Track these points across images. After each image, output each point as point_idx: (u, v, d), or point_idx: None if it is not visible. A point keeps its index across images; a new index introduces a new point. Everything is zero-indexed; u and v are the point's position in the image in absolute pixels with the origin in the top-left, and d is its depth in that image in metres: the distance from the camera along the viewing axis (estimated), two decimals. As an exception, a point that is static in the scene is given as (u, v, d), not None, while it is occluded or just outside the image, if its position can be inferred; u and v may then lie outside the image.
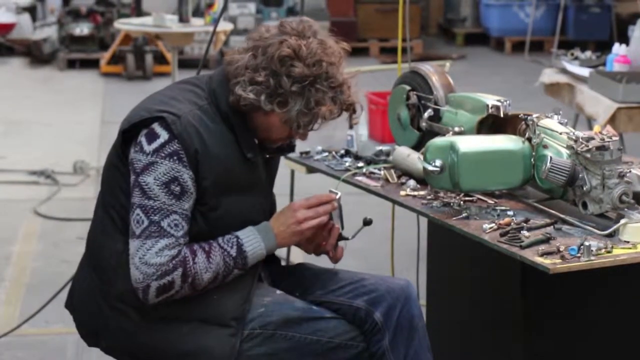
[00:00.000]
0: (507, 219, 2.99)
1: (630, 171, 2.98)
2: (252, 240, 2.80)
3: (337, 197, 2.93)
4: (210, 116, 2.77)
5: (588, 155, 2.94)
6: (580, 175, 2.95)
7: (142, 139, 2.72)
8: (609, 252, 2.80)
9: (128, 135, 2.77)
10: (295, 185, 4.89)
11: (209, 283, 2.76)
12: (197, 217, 2.76)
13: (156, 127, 2.72)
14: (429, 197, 3.22)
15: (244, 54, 2.79)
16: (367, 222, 3.03)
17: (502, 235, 2.90)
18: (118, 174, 2.80)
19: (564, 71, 5.47)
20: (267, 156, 2.92)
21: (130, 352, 2.87)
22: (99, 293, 2.84)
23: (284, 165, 3.92)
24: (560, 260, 2.75)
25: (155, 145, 2.71)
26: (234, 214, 2.80)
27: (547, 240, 2.86)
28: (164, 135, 2.71)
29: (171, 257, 2.69)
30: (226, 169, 2.76)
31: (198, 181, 2.72)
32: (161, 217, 2.69)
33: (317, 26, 2.82)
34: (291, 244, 2.94)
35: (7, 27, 11.02)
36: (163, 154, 2.70)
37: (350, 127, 3.91)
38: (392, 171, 3.47)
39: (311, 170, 3.75)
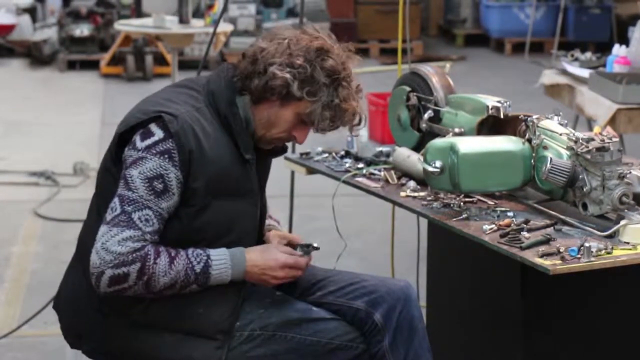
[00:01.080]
0: (507, 220, 2.99)
1: (630, 172, 2.98)
2: (221, 265, 2.74)
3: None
4: (207, 118, 2.76)
5: (588, 156, 2.94)
6: (580, 177, 2.95)
7: (137, 137, 2.72)
8: (609, 253, 2.80)
9: (123, 138, 2.76)
10: (295, 186, 4.89)
11: (165, 289, 2.70)
12: (183, 219, 2.73)
13: (152, 126, 2.72)
14: (429, 198, 3.22)
15: (269, 44, 2.79)
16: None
17: (502, 236, 2.90)
18: (111, 180, 2.78)
19: (564, 72, 5.48)
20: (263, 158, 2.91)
21: (112, 356, 2.86)
22: (87, 296, 2.82)
23: (284, 166, 3.92)
24: (560, 262, 2.75)
25: (148, 142, 2.70)
26: (222, 218, 2.77)
27: (547, 241, 2.86)
28: (159, 134, 2.70)
29: (132, 250, 2.65)
30: (220, 172, 2.74)
31: (188, 182, 2.71)
32: (134, 209, 2.66)
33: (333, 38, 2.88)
34: (254, 282, 2.86)
35: (7, 28, 11.03)
36: (154, 151, 2.68)
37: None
38: (392, 172, 3.47)
39: (311, 171, 3.75)
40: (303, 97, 2.75)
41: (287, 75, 2.73)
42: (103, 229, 2.68)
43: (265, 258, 2.81)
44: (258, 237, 2.92)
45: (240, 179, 2.80)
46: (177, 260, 2.69)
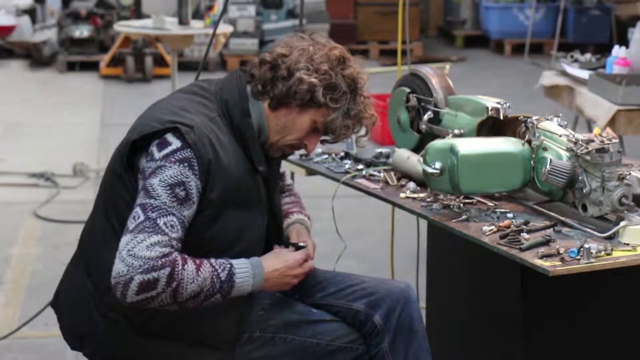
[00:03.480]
0: (506, 222, 2.99)
1: (629, 173, 2.98)
2: (244, 274, 2.70)
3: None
4: (221, 128, 2.74)
5: (588, 157, 2.94)
6: (580, 178, 2.95)
7: (154, 148, 2.67)
8: (608, 254, 2.80)
9: (135, 145, 2.72)
10: (294, 187, 4.88)
11: (191, 298, 2.63)
12: (195, 229, 2.69)
13: (168, 136, 2.68)
14: (428, 200, 3.22)
15: (289, 51, 2.78)
16: None
17: (501, 237, 2.90)
18: (120, 184, 2.75)
19: (564, 73, 5.48)
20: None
21: None
22: (91, 299, 2.79)
23: (284, 168, 3.92)
24: (560, 263, 2.75)
25: (165, 151, 2.65)
26: (232, 228, 2.74)
27: (546, 242, 2.86)
28: (176, 143, 2.66)
29: (162, 254, 2.57)
30: (234, 183, 2.72)
31: (205, 192, 2.67)
32: (158, 215, 2.60)
33: None
34: (274, 291, 2.85)
35: (7, 30, 11.02)
36: (173, 159, 2.64)
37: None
38: (392, 173, 3.47)
39: (311, 172, 3.75)
40: (325, 104, 2.75)
41: (315, 80, 2.73)
42: (126, 237, 2.59)
43: (283, 260, 2.80)
44: (265, 246, 2.87)
45: (251, 189, 2.79)
46: (203, 268, 2.64)
